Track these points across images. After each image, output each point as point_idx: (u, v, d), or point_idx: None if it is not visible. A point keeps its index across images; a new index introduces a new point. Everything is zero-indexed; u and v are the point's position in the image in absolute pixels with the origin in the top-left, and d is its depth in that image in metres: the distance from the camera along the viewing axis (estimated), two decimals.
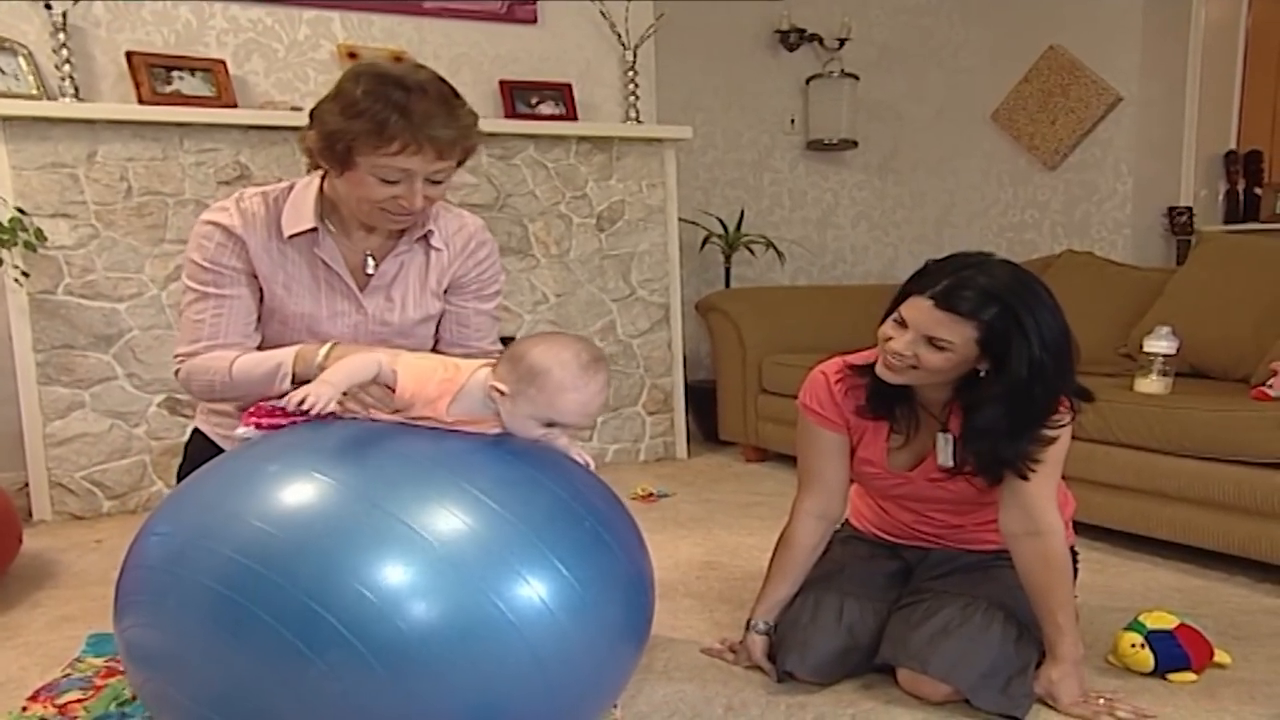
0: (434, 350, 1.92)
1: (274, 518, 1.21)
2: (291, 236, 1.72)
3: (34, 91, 3.05)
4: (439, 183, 1.65)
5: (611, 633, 1.34)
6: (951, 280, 1.57)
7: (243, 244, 1.71)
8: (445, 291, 1.89)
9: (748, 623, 1.88)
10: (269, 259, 1.73)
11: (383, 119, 1.53)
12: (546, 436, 1.41)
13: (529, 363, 1.35)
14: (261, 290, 1.75)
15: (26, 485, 3.14)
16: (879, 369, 1.69)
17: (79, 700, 1.75)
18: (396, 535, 1.18)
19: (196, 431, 1.93)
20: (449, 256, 1.86)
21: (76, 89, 3.07)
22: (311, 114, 1.64)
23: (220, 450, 1.81)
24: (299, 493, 1.24)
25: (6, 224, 2.94)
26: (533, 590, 1.20)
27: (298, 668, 1.13)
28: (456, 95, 1.65)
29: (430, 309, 1.87)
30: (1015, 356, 1.55)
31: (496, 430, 1.41)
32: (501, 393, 1.36)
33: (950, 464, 1.74)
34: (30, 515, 3.11)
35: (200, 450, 1.86)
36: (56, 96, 3.07)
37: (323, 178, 1.74)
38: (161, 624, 1.23)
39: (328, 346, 1.59)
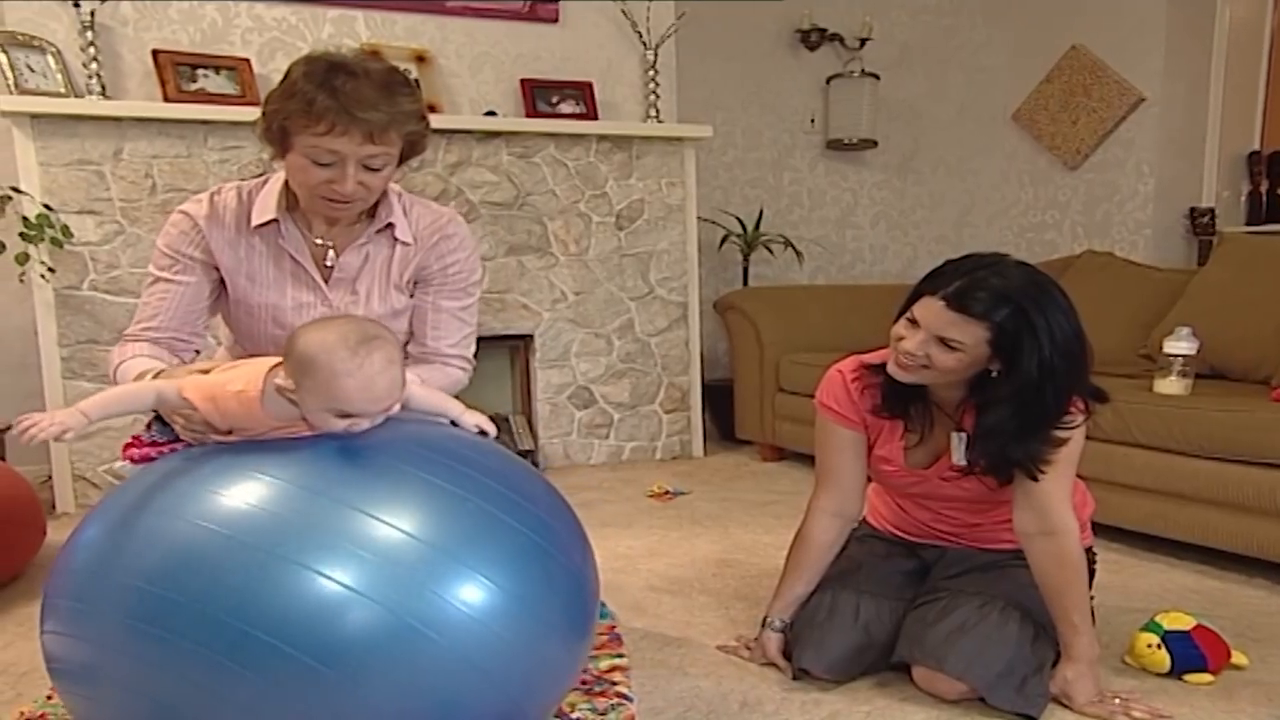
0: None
1: (173, 549, 1.18)
2: (257, 227, 1.73)
3: (62, 89, 3.10)
4: (376, 170, 1.62)
5: (549, 628, 1.31)
6: (964, 281, 1.57)
7: (204, 235, 1.72)
8: (413, 285, 1.85)
9: (764, 620, 1.89)
10: (231, 251, 1.74)
11: (311, 97, 1.52)
12: (351, 426, 1.29)
13: (297, 354, 1.26)
14: (225, 283, 1.77)
15: (50, 478, 3.18)
16: (890, 368, 1.70)
17: None
18: (293, 561, 1.14)
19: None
20: (416, 248, 1.82)
21: (104, 87, 3.11)
22: (264, 99, 1.65)
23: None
24: (181, 535, 1.19)
25: (34, 220, 2.98)
26: (452, 602, 1.18)
27: (229, 681, 1.11)
28: (406, 85, 1.63)
29: (396, 304, 1.83)
30: (1026, 358, 1.56)
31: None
32: (291, 391, 1.27)
33: (964, 463, 1.74)
34: (54, 508, 3.15)
35: None
36: (84, 94, 3.11)
37: None
38: (84, 639, 1.20)
39: (151, 376, 1.54)
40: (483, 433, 1.53)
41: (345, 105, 1.52)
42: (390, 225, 1.78)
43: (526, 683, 1.28)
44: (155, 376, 1.52)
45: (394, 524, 1.19)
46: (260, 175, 1.81)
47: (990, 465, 1.69)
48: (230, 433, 1.34)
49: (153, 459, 1.43)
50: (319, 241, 1.77)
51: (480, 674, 1.20)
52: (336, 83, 1.53)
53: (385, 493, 1.24)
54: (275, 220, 1.72)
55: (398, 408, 1.37)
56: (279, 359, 1.33)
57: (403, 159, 1.69)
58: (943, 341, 1.59)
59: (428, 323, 1.87)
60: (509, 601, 1.22)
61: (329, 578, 1.13)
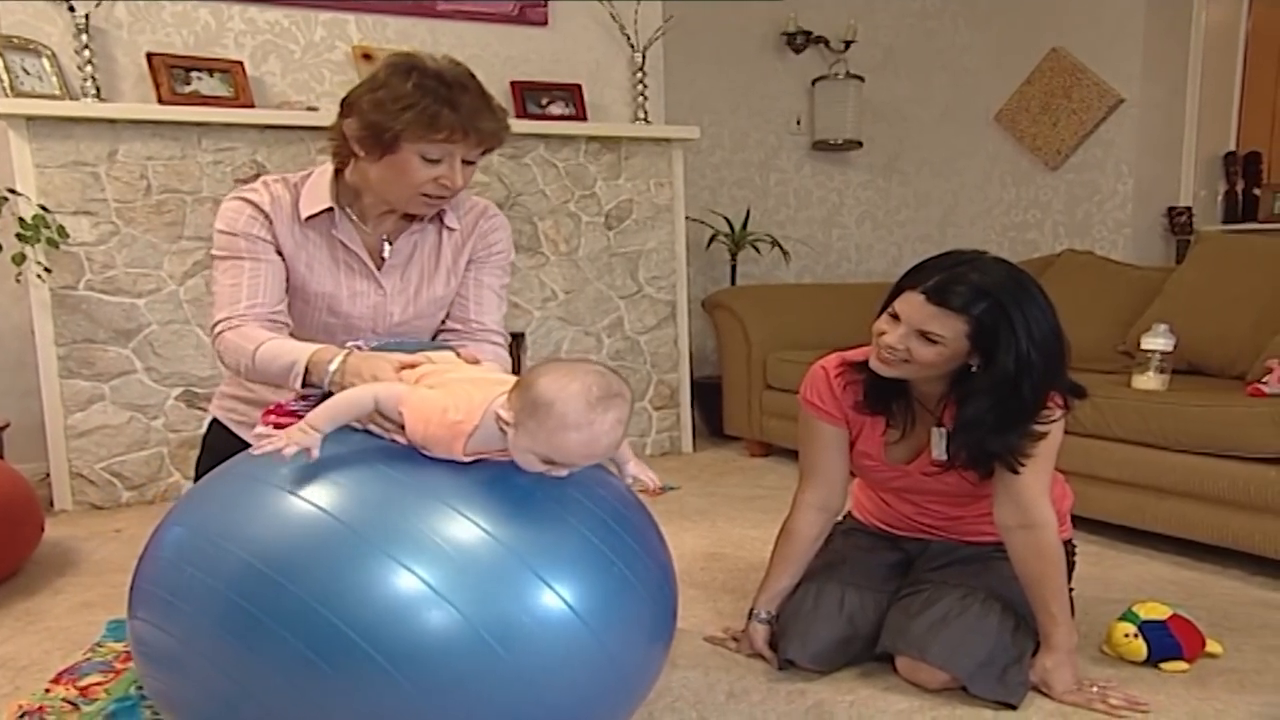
0: (439, 330, 1.96)
1: (287, 527, 1.19)
2: (309, 219, 1.78)
3: (57, 92, 3.11)
4: (472, 163, 1.73)
5: (632, 639, 1.30)
6: (944, 276, 1.60)
7: (269, 221, 1.76)
8: (464, 268, 1.94)
9: (750, 612, 1.91)
10: (292, 239, 1.78)
11: (434, 112, 1.61)
12: (549, 472, 1.27)
13: (534, 393, 1.22)
14: (287, 268, 1.80)
15: (48, 475, 3.20)
16: (872, 362, 1.72)
17: (100, 683, 1.79)
18: (413, 545, 1.15)
19: (215, 422, 1.97)
20: (462, 234, 1.91)
21: (98, 89, 3.12)
22: (348, 103, 1.69)
23: (239, 440, 1.84)
24: (312, 503, 1.20)
25: (30, 221, 3.00)
26: (557, 597, 1.18)
27: (309, 676, 1.11)
28: (490, 94, 1.74)
29: (445, 288, 1.92)
30: (1003, 351, 1.58)
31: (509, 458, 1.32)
32: (508, 422, 1.24)
33: (944, 458, 1.76)
34: (52, 505, 3.17)
35: (220, 440, 1.90)
36: (79, 96, 3.12)
37: (339, 167, 1.80)
38: (173, 621, 1.21)
39: (341, 358, 1.55)
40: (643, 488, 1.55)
41: (466, 117, 1.64)
42: (441, 214, 1.87)
43: (609, 692, 1.29)
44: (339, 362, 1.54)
45: (495, 536, 1.19)
46: (305, 171, 1.85)
47: (969, 458, 1.70)
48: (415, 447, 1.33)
49: None
50: (380, 236, 1.85)
51: (569, 682, 1.20)
52: (451, 95, 1.62)
53: (490, 499, 1.24)
54: (329, 210, 1.78)
55: None
56: (505, 389, 1.30)
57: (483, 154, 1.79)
58: (923, 335, 1.62)
59: (471, 299, 1.95)
60: (583, 625, 1.20)
61: (416, 575, 1.13)
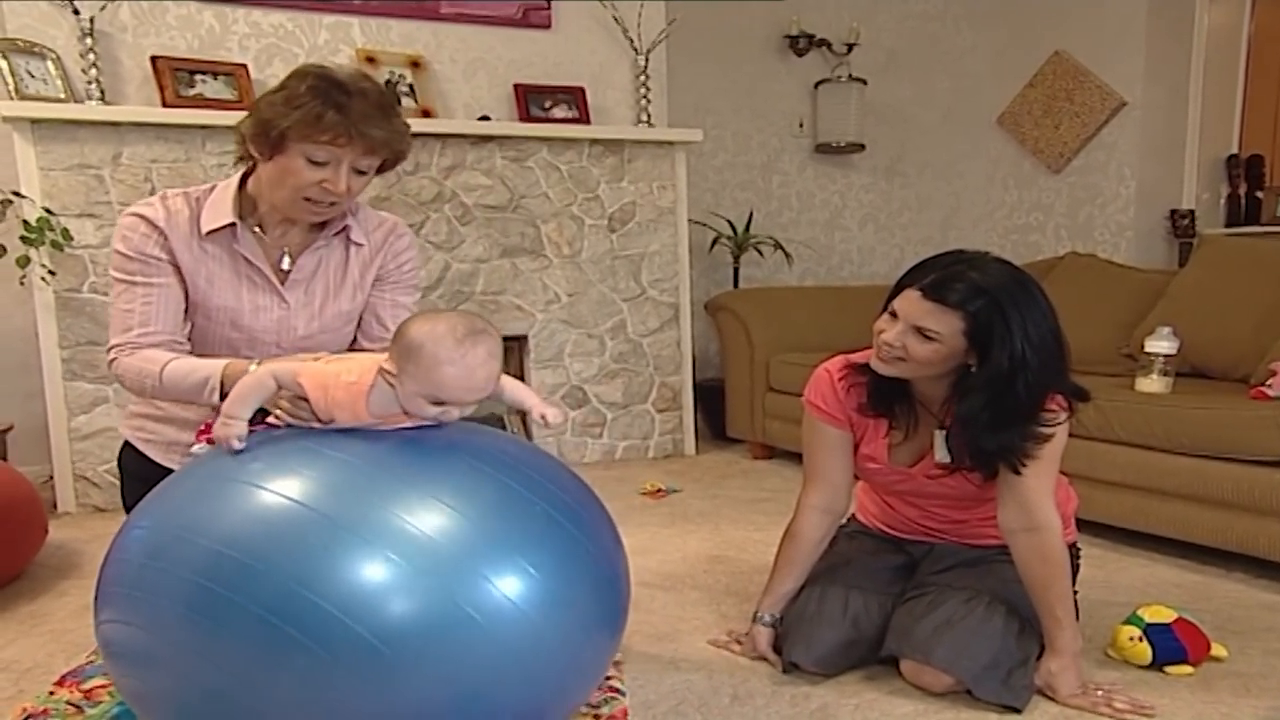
0: (351, 347, 1.97)
1: (253, 516, 1.21)
2: (210, 233, 1.77)
3: (62, 95, 3.11)
4: (362, 173, 1.73)
5: (584, 620, 1.33)
6: (943, 273, 1.61)
7: (165, 236, 1.75)
8: (372, 284, 1.95)
9: (754, 615, 1.91)
10: (190, 254, 1.77)
11: (319, 112, 1.62)
12: (442, 415, 1.36)
13: (406, 340, 1.32)
14: (183, 284, 1.79)
15: (51, 478, 3.20)
16: (872, 361, 1.73)
17: (103, 685, 1.79)
18: (363, 539, 1.17)
19: (127, 445, 1.94)
20: (370, 250, 1.92)
21: (103, 92, 3.13)
22: (251, 104, 1.72)
23: (153, 464, 1.83)
24: (275, 492, 1.22)
25: (34, 224, 3.00)
26: (499, 589, 1.20)
27: (283, 657, 1.12)
28: (395, 105, 1.76)
29: (351, 303, 1.92)
30: (998, 349, 1.58)
31: (418, 421, 1.39)
32: (392, 374, 1.33)
33: (947, 460, 1.77)
34: (55, 507, 3.17)
35: (134, 463, 1.90)
36: (83, 99, 3.13)
37: (243, 177, 1.80)
38: (142, 615, 1.21)
39: (255, 364, 1.58)
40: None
41: (352, 120, 1.64)
42: (345, 229, 1.87)
43: (558, 677, 1.31)
44: (257, 364, 1.56)
45: (455, 508, 1.23)
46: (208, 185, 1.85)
47: (969, 457, 1.71)
48: (330, 422, 1.38)
49: None
50: (282, 249, 1.84)
51: (517, 666, 1.22)
52: (342, 99, 1.63)
53: (449, 479, 1.28)
54: (231, 225, 1.77)
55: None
56: (385, 348, 1.38)
57: (381, 169, 1.79)
58: (919, 331, 1.62)
59: (387, 316, 1.95)
60: (543, 588, 1.24)
61: (391, 557, 1.16)
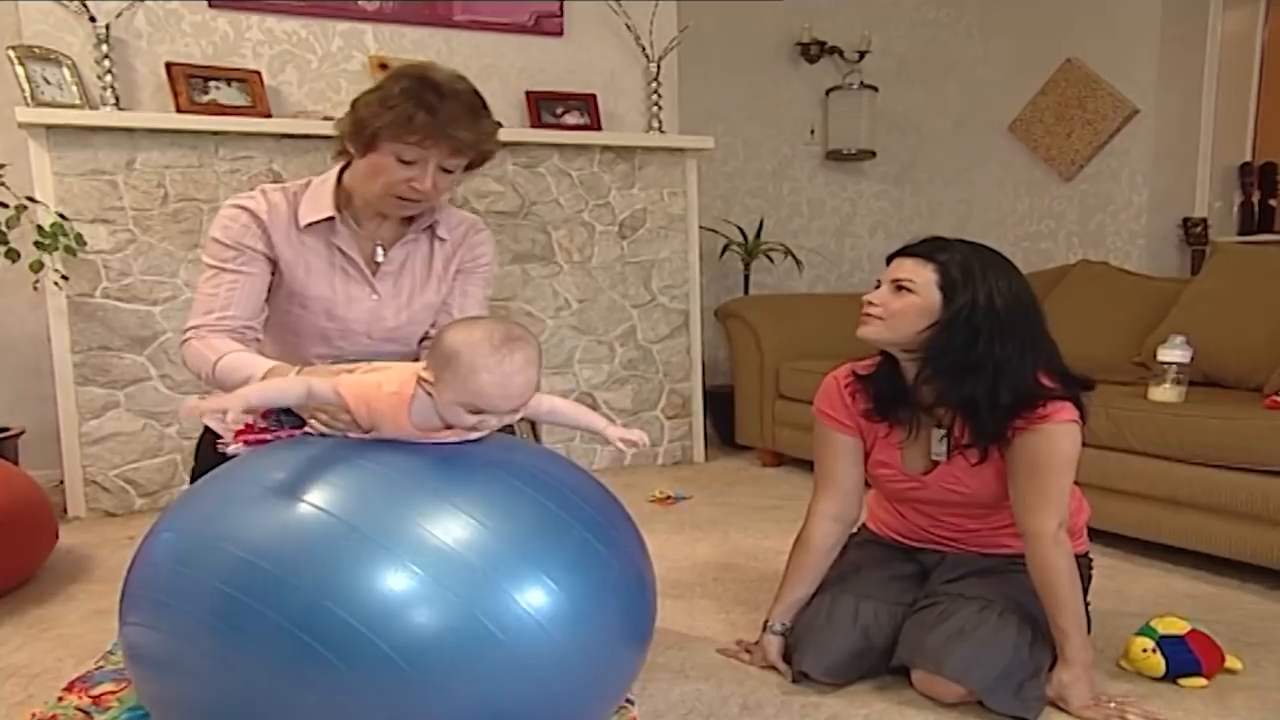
0: (425, 336, 2.01)
1: (284, 525, 1.21)
2: (308, 225, 1.84)
3: (77, 101, 3.13)
4: (450, 172, 1.80)
5: (609, 639, 1.32)
6: (921, 242, 1.74)
7: (265, 228, 1.83)
8: (452, 277, 2.02)
9: (764, 623, 1.91)
10: (290, 246, 1.85)
11: (410, 114, 1.69)
12: (480, 423, 1.35)
13: (443, 348, 1.31)
14: (281, 275, 1.86)
15: (62, 482, 3.21)
16: (858, 331, 1.79)
17: (112, 691, 1.79)
18: (393, 554, 1.16)
19: (207, 430, 1.94)
20: (452, 245, 2.00)
21: (117, 98, 3.15)
22: (352, 103, 1.79)
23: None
24: (307, 501, 1.22)
25: (48, 229, 3.02)
26: (521, 606, 1.19)
27: (305, 670, 1.11)
28: (486, 107, 1.82)
29: (436, 296, 2.00)
30: (960, 297, 1.67)
31: (465, 436, 1.38)
32: (430, 383, 1.32)
33: (943, 457, 1.79)
34: (65, 511, 3.18)
35: (212, 447, 1.91)
36: (98, 106, 3.15)
37: (340, 172, 1.88)
38: (168, 620, 1.21)
39: (295, 371, 1.60)
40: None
41: (441, 122, 1.70)
42: (434, 224, 1.96)
43: (580, 695, 1.31)
44: (298, 373, 1.57)
45: (473, 516, 1.23)
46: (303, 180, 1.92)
47: (959, 419, 1.75)
48: (371, 431, 1.38)
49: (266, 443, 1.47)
50: (375, 242, 1.92)
51: (537, 684, 1.21)
52: (433, 101, 1.69)
53: (484, 497, 1.28)
54: (330, 218, 1.84)
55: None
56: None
57: (469, 168, 1.85)
58: (897, 285, 1.72)
59: (456, 307, 2.02)
60: (565, 605, 1.24)
61: (418, 573, 1.15)
